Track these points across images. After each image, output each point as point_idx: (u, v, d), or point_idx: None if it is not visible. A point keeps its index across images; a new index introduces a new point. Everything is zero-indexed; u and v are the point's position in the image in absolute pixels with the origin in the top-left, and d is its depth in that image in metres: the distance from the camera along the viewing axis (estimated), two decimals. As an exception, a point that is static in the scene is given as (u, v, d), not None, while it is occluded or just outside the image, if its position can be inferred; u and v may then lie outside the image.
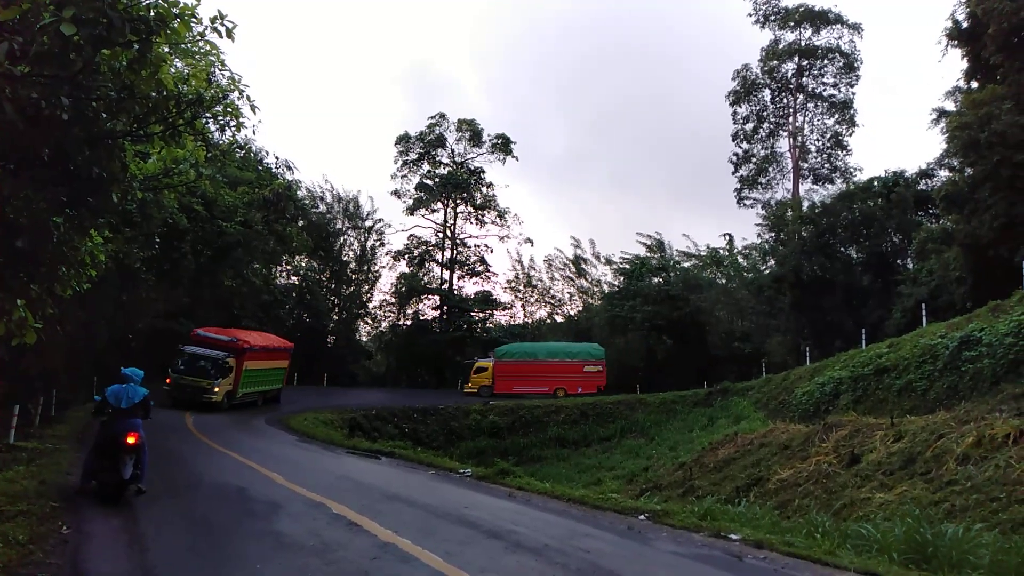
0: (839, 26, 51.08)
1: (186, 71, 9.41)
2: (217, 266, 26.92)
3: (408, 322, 55.79)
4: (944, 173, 34.72)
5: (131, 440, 9.48)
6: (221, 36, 7.49)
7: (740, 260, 54.70)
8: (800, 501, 14.06)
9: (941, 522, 9.22)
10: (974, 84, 30.03)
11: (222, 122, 9.10)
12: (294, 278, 52.73)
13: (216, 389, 26.24)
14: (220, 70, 8.82)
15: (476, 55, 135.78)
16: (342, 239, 55.59)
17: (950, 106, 35.06)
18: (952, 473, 11.66)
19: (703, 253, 55.80)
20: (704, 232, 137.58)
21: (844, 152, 52.14)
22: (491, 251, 57.92)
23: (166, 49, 8.18)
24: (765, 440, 19.31)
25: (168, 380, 25.90)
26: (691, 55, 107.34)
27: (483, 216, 56.96)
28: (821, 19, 50.99)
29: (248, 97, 8.73)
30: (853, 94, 51.73)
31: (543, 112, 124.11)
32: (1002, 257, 23.92)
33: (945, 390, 17.36)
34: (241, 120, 8.91)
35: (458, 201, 56.74)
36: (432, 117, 56.62)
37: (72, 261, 9.37)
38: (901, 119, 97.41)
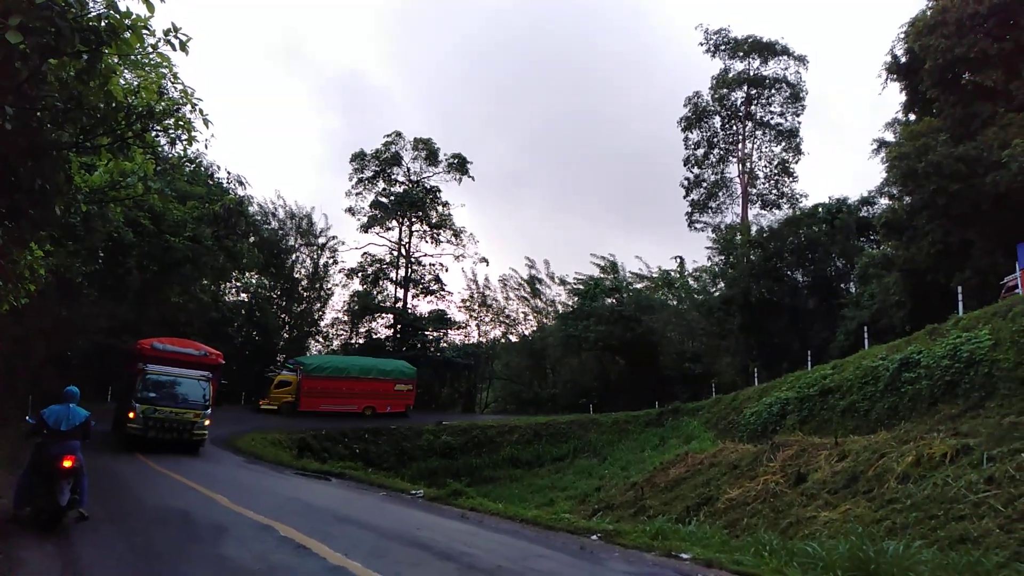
0: (786, 57, 52.98)
1: (136, 83, 9.22)
2: (164, 282, 26.11)
3: (361, 341, 55.13)
4: (884, 201, 36.20)
5: (68, 463, 9.06)
6: (175, 49, 7.38)
7: (691, 282, 55.77)
8: (748, 520, 14.28)
9: (883, 539, 9.47)
10: (912, 116, 31.47)
11: (173, 135, 8.93)
12: (244, 295, 51.66)
13: (207, 423, 20.38)
14: (172, 83, 8.67)
15: (405, 67, 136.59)
16: (294, 256, 54.84)
17: (890, 137, 36.66)
18: (893, 491, 12.01)
19: (655, 275, 56.76)
20: (647, 251, 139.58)
21: (790, 179, 53.86)
22: (446, 270, 57.81)
23: (116, 60, 8.02)
24: (715, 460, 19.58)
25: (131, 415, 19.57)
26: (626, 75, 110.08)
27: (438, 235, 56.91)
28: (769, 50, 52.76)
29: (201, 111, 8.58)
30: (799, 123, 53.60)
31: (477, 128, 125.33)
32: (938, 282, 24.96)
33: (886, 411, 17.92)
34: (193, 134, 8.76)
35: (413, 219, 56.58)
36: (388, 135, 56.61)
37: (10, 275, 9.04)
38: (844, 148, 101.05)
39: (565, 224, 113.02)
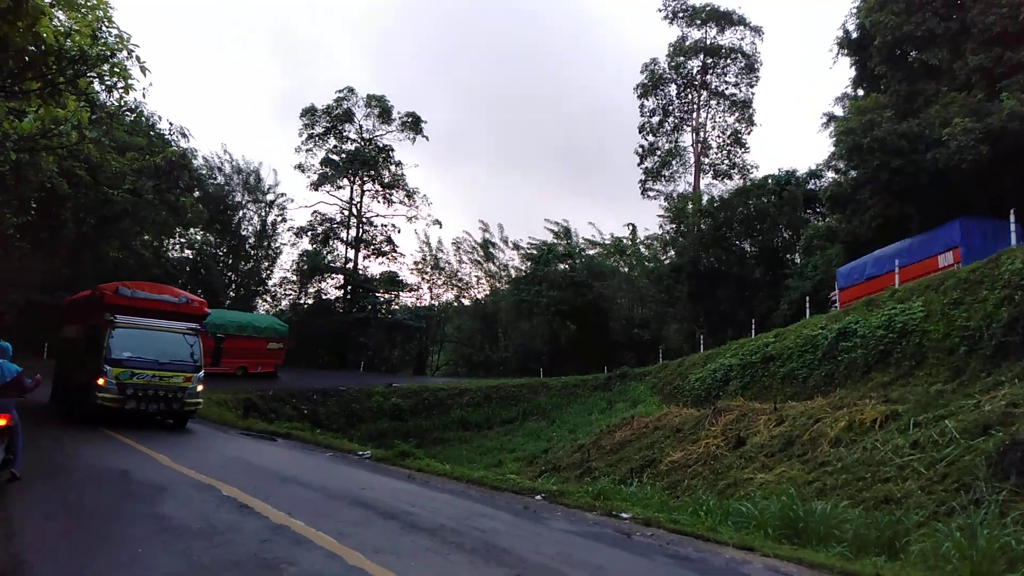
0: (742, 28, 53.13)
1: (70, 25, 8.72)
2: (101, 236, 25.07)
3: (310, 301, 54.42)
4: (831, 174, 37.03)
5: (2, 422, 8.76)
6: (110, -10, 7.00)
7: (642, 250, 56.43)
8: (689, 481, 14.76)
9: (813, 500, 9.90)
10: (860, 91, 32.08)
11: (108, 82, 8.50)
12: (188, 251, 50.32)
13: (199, 388, 17.00)
14: (107, 27, 8.22)
15: (346, 19, 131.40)
16: (241, 213, 53.55)
17: (839, 111, 37.35)
18: (825, 455, 12.54)
19: (607, 242, 57.21)
20: (599, 217, 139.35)
21: (742, 149, 54.48)
22: (398, 231, 57.08)
23: (47, 0, 7.57)
24: (659, 423, 20.10)
25: (99, 381, 15.55)
26: (575, 37, 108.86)
27: (391, 195, 56.07)
28: (726, 20, 52.86)
29: (138, 57, 8.19)
30: (753, 94, 54.04)
31: (418, 82, 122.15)
32: (878, 255, 25.79)
33: (823, 378, 18.59)
34: (130, 82, 8.36)
35: (365, 179, 55.58)
36: (340, 90, 55.15)
37: (-67, 224, 8.60)
38: (795, 121, 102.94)
39: (512, 186, 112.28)
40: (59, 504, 8.51)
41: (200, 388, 17.00)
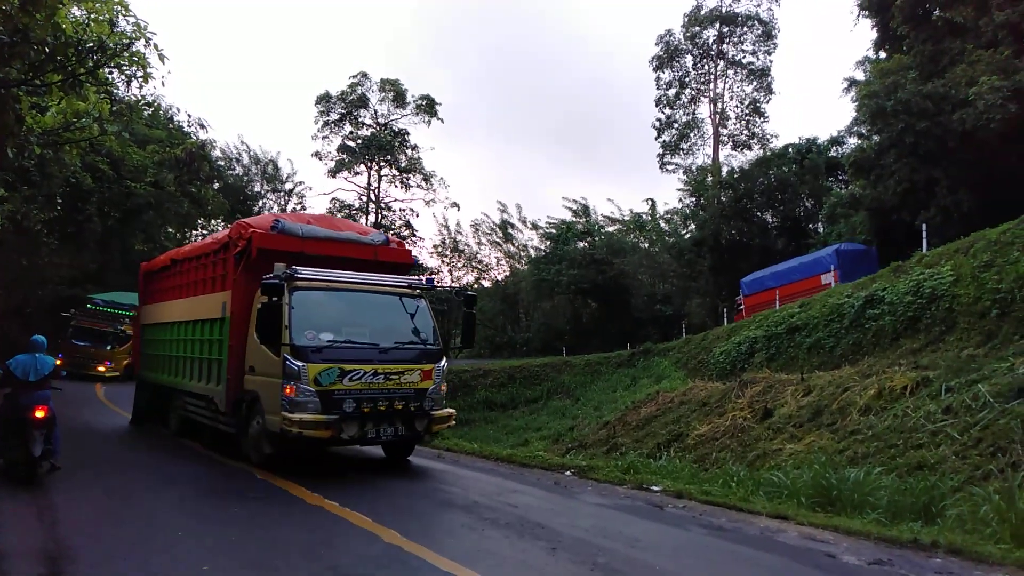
0: (759, -6, 52.10)
1: (86, 18, 8.76)
2: (126, 229, 25.36)
3: (333, 287, 54.69)
4: (853, 140, 36.30)
5: (40, 414, 8.90)
6: (124, -21, 7.01)
7: (662, 225, 55.95)
8: (717, 454, 14.69)
9: (845, 468, 9.82)
10: (882, 54, 31.34)
11: (128, 73, 8.55)
12: (211, 243, 50.78)
13: (444, 389, 10.20)
14: (124, 15, 8.24)
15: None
16: (261, 202, 53.88)
17: (860, 75, 36.56)
18: (856, 423, 12.40)
19: (627, 218, 56.79)
20: (616, 194, 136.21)
21: (762, 119, 53.62)
22: (417, 215, 57.08)
23: (62, -6, 7.60)
24: (685, 398, 20.00)
25: (287, 391, 8.81)
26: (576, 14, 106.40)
27: (408, 179, 56.04)
28: (742, -14, 51.85)
29: (156, 45, 8.21)
30: (771, 62, 53.00)
31: (426, 64, 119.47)
32: (904, 220, 25.39)
33: (850, 346, 18.37)
34: (149, 71, 8.39)
35: (382, 164, 55.58)
36: (353, 76, 55.00)
37: (-37, 221, 8.74)
38: (815, 88, 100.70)
39: (529, 165, 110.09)
40: (100, 491, 8.70)
41: (444, 389, 10.21)
